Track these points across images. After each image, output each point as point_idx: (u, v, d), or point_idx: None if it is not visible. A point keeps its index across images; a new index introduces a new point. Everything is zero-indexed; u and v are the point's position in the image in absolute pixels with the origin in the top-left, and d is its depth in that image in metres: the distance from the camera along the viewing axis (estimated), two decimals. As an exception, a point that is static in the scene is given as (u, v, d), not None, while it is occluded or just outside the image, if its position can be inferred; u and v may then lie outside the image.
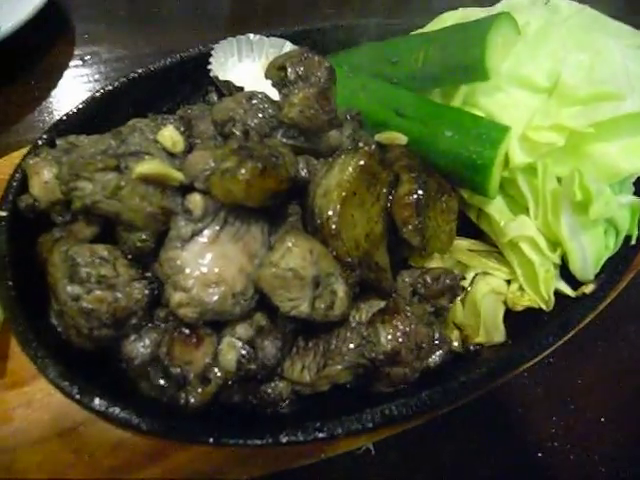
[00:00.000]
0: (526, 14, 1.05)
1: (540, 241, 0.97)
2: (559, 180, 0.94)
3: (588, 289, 0.97)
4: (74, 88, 1.60)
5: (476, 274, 1.03)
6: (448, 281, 0.86)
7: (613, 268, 1.00)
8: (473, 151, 0.94)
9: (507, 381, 1.08)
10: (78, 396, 0.71)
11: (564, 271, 1.00)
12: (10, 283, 0.81)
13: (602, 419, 1.07)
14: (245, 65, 1.31)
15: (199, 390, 0.75)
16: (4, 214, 0.87)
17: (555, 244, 0.98)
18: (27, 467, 0.83)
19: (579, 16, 1.04)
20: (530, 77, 0.98)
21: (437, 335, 0.85)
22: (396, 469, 0.98)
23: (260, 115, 0.85)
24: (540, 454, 1.02)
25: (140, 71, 1.18)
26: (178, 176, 0.74)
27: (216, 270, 0.73)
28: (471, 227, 1.07)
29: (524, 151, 0.96)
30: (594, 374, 1.13)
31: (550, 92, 0.97)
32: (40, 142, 0.97)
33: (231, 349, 0.76)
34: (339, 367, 0.78)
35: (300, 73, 0.84)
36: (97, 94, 1.10)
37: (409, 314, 0.81)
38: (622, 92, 0.91)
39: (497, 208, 1.01)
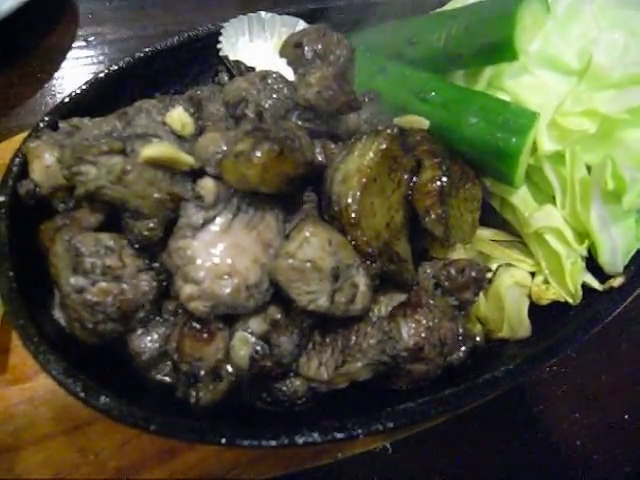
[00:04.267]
0: (555, -10, 1.00)
1: (567, 232, 0.92)
2: (588, 168, 0.90)
3: (616, 282, 0.93)
4: (77, 69, 1.57)
5: (499, 266, 0.98)
6: (473, 273, 0.81)
7: (642, 260, 0.95)
8: (500, 138, 0.88)
9: (529, 377, 1.05)
10: (82, 394, 0.68)
11: (590, 263, 0.95)
12: (10, 274, 0.78)
13: (626, 417, 1.05)
14: (257, 45, 1.27)
15: (210, 387, 0.72)
16: (2, 199, 0.83)
17: (582, 235, 0.94)
18: (30, 467, 0.81)
19: (611, -7, 0.98)
20: (560, 58, 0.93)
21: (461, 330, 0.80)
22: (414, 467, 0.96)
23: (274, 96, 0.81)
24: (563, 452, 1.00)
25: (146, 51, 1.14)
26: (188, 160, 0.70)
27: (229, 261, 0.69)
28: (494, 216, 1.02)
29: (553, 138, 0.91)
30: (618, 371, 1.11)
31: (581, 74, 0.92)
32: (41, 125, 0.93)
33: (244, 344, 0.73)
34: (359, 364, 0.74)
35: (318, 51, 0.80)
36: (102, 75, 1.07)
37: (432, 308, 0.77)
38: (659, 74, 0.86)
39: (522, 197, 0.97)
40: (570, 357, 1.09)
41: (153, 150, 0.68)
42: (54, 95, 1.47)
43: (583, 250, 0.93)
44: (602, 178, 0.84)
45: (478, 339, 0.89)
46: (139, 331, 0.74)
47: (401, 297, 0.80)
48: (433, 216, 0.79)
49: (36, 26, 1.63)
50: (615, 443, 1.02)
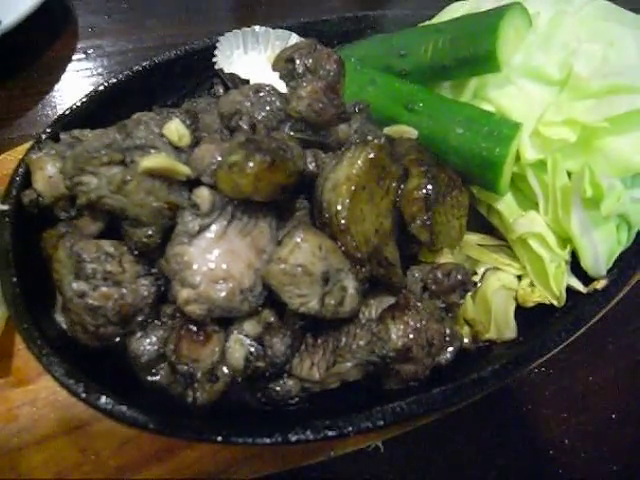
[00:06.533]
0: (537, 4, 1.03)
1: (549, 238, 0.95)
2: (569, 175, 0.93)
3: (600, 285, 0.96)
4: (77, 82, 1.59)
5: (486, 269, 1.01)
6: (459, 276, 0.85)
7: (626, 263, 0.98)
8: (484, 148, 0.92)
9: (517, 378, 1.07)
10: (84, 394, 0.70)
11: (575, 266, 0.98)
12: (14, 279, 0.80)
13: (613, 416, 1.07)
14: (251, 57, 1.29)
15: (207, 388, 0.74)
16: (6, 207, 0.86)
17: (565, 240, 0.97)
18: (32, 466, 0.82)
19: (591, 6, 1.01)
20: (542, 69, 0.96)
21: (448, 331, 0.83)
22: (405, 467, 0.97)
23: (267, 108, 0.84)
24: (551, 451, 1.02)
25: (144, 64, 1.16)
26: (185, 170, 0.73)
27: (224, 266, 0.71)
28: (482, 221, 1.06)
29: (535, 147, 0.94)
30: (605, 371, 1.12)
31: (562, 84, 0.95)
32: (43, 136, 0.96)
33: (239, 346, 0.75)
34: (349, 364, 0.77)
35: (309, 65, 0.83)
36: (101, 87, 1.09)
37: (420, 310, 0.80)
38: (637, 85, 0.89)
39: (506, 204, 1.00)
40: (557, 358, 1.10)
41: (151, 161, 0.71)
42: (55, 106, 1.49)
43: (566, 254, 0.96)
44: (581, 186, 0.87)
45: (465, 340, 0.93)
46: (138, 334, 0.76)
47: (390, 300, 0.83)
48: (419, 222, 0.82)
49: (37, 39, 1.65)
50: (602, 442, 1.04)
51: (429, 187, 0.82)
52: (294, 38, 1.29)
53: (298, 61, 0.83)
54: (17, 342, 0.92)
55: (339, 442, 0.87)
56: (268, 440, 0.71)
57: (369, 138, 0.82)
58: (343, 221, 0.75)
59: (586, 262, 0.95)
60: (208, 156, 0.73)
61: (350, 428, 0.73)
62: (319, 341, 0.80)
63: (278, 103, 0.84)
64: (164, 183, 0.72)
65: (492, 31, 0.93)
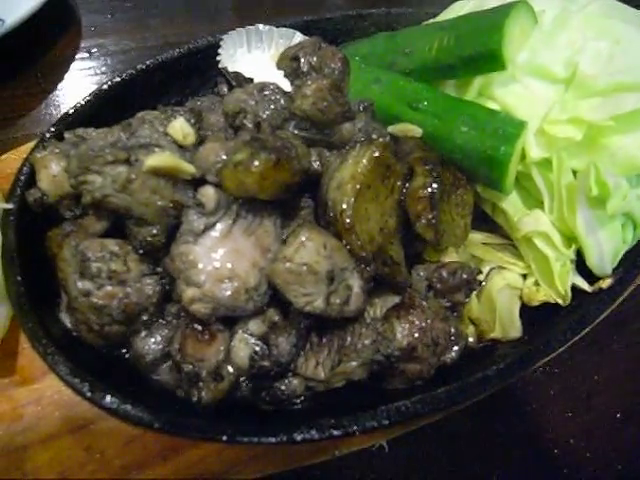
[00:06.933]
0: (542, 2, 1.02)
1: (554, 237, 0.95)
2: (575, 173, 0.92)
3: (605, 284, 0.95)
4: (81, 81, 1.59)
5: (491, 268, 1.01)
6: (465, 275, 0.84)
7: (631, 262, 0.98)
8: (489, 147, 0.91)
9: (522, 377, 1.07)
10: (89, 393, 0.70)
11: (581, 265, 0.97)
12: (19, 278, 0.80)
13: (618, 415, 1.07)
14: (255, 56, 1.29)
15: (211, 387, 0.74)
16: (10, 206, 0.86)
17: (570, 239, 0.96)
18: (37, 465, 0.82)
19: (597, 4, 1.01)
20: (547, 67, 0.95)
21: (453, 330, 0.83)
22: (410, 466, 0.97)
23: (272, 106, 0.83)
24: (556, 451, 1.02)
25: (148, 63, 1.16)
26: (189, 169, 0.73)
27: (229, 265, 0.71)
28: (487, 219, 1.05)
29: (540, 146, 0.94)
30: (610, 370, 1.12)
31: (568, 82, 0.94)
32: (48, 135, 0.96)
33: (244, 345, 0.75)
34: (354, 363, 0.77)
35: (313, 64, 0.83)
36: (104, 86, 1.09)
37: (425, 309, 0.80)
38: (643, 83, 0.89)
39: (511, 203, 0.99)
40: (562, 357, 1.10)
41: (156, 160, 0.71)
42: (58, 105, 1.49)
43: (571, 253, 0.95)
44: (586, 184, 0.87)
45: (470, 339, 0.92)
46: (143, 333, 0.76)
47: (395, 299, 0.83)
48: (424, 221, 0.82)
49: (40, 39, 1.65)
50: (607, 441, 1.03)
51: (434, 186, 0.82)
52: (298, 36, 1.29)
53: (303, 59, 0.83)
54: (22, 341, 0.92)
55: (344, 441, 0.87)
56: (273, 439, 0.71)
57: (374, 137, 0.82)
58: (348, 220, 0.75)
59: (591, 261, 0.95)
60: (213, 155, 0.73)
61: (355, 427, 0.73)
62: (324, 340, 0.80)
63: (283, 102, 0.84)
64: (169, 182, 0.72)
65: (498, 29, 0.93)
